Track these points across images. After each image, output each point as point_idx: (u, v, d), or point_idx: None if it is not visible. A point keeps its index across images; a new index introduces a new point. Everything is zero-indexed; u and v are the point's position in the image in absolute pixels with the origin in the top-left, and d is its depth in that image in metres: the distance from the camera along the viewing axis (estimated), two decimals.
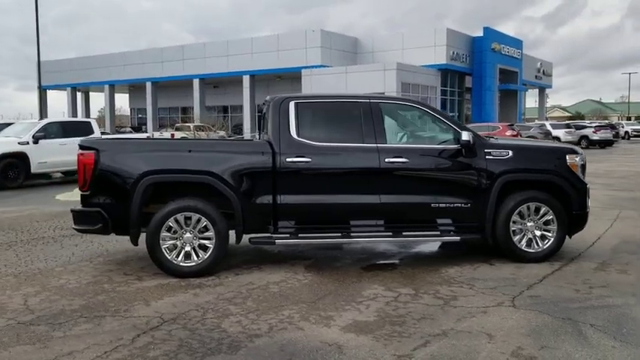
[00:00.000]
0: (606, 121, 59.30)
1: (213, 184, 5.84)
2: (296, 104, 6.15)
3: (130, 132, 39.00)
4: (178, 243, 5.83)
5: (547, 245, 6.38)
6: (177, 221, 5.80)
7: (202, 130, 37.33)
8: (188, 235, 5.83)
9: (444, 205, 6.22)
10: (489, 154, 6.29)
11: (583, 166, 6.69)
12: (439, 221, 6.27)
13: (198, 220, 5.82)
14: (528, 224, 6.35)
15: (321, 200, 6.08)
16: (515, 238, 6.33)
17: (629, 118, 79.48)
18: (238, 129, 43.89)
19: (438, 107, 40.96)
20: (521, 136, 30.20)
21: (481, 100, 44.79)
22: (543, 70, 60.70)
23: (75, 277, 5.91)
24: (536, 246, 6.37)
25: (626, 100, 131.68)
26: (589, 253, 6.80)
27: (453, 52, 41.42)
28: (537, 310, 4.76)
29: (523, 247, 6.35)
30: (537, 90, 62.86)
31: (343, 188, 6.13)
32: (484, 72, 44.36)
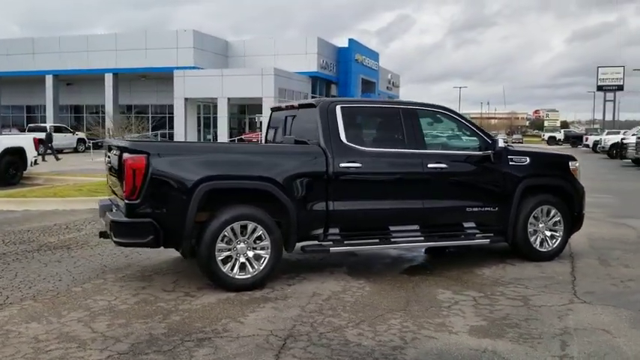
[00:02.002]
0: None
1: (271, 191, 5.50)
2: (342, 108, 6.00)
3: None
4: (233, 254, 5.39)
5: (556, 244, 6.91)
6: (232, 231, 5.37)
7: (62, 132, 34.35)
8: (242, 245, 5.42)
9: (476, 209, 6.47)
10: (512, 160, 6.67)
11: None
12: (470, 225, 6.49)
13: (254, 230, 5.44)
14: (540, 225, 6.84)
15: (370, 206, 6.00)
16: (532, 239, 6.78)
17: None
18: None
19: None
20: None
21: None
22: (393, 82, 64.75)
23: (111, 297, 5.20)
24: (547, 245, 6.87)
25: None
26: (576, 251, 7.44)
27: (323, 61, 42.57)
28: (611, 304, 5.16)
29: (538, 247, 6.82)
30: None
31: (390, 194, 6.12)
32: (349, 81, 46.15)
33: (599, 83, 72.86)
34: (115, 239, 5.21)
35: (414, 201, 6.18)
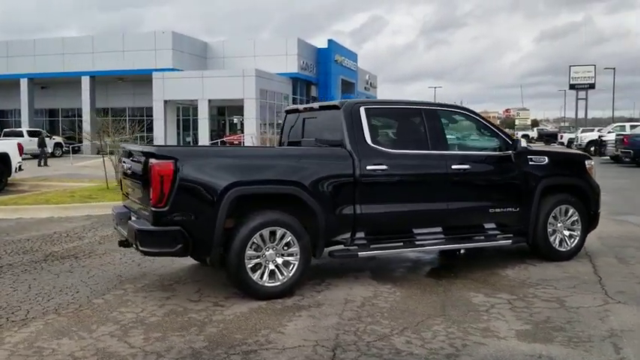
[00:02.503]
0: None
1: (300, 195, 5.35)
2: (366, 109, 5.89)
3: None
4: (262, 261, 5.23)
5: (574, 244, 6.90)
6: (261, 237, 5.21)
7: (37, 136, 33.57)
8: (271, 251, 5.26)
9: (499, 209, 6.41)
10: (531, 159, 6.63)
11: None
12: (491, 226, 6.43)
13: (283, 236, 5.29)
14: (559, 225, 6.81)
15: (395, 209, 5.89)
16: (551, 239, 6.75)
17: None
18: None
19: None
20: None
21: None
22: (371, 83, 64.88)
23: (137, 309, 5.00)
24: (566, 245, 6.85)
25: None
26: (590, 250, 7.44)
27: (303, 62, 42.43)
28: None
29: (557, 247, 6.79)
30: None
31: (415, 196, 6.02)
32: (329, 82, 46.09)
33: (572, 82, 73.98)
34: (141, 248, 5.00)
35: (438, 203, 6.10)
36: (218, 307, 5.07)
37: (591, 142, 34.62)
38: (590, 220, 7.05)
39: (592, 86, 73.60)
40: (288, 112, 7.07)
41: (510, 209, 6.48)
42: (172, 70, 37.41)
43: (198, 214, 5.01)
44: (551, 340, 4.26)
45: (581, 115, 73.09)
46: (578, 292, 5.51)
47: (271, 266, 5.26)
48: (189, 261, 6.66)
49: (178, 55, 38.66)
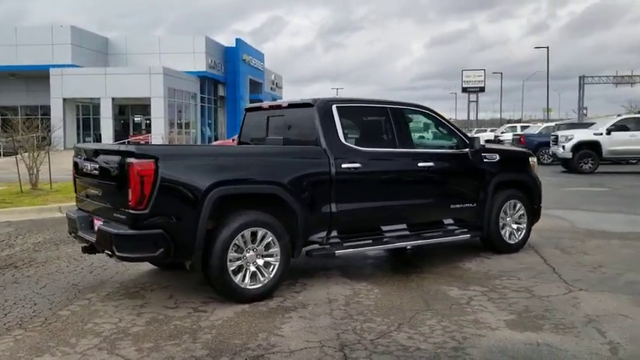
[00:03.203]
0: None
1: (280, 195, 5.24)
2: (337, 108, 5.87)
3: None
4: (243, 263, 5.07)
5: (522, 236, 7.29)
6: (243, 238, 5.05)
7: None
8: (251, 253, 5.11)
9: (459, 205, 6.65)
10: (485, 157, 6.92)
11: None
12: (449, 221, 6.64)
13: (263, 236, 5.15)
14: (508, 219, 7.17)
15: (367, 207, 5.93)
16: (502, 232, 7.09)
17: None
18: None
19: (198, 114, 40.82)
20: None
21: (235, 109, 45.88)
22: (276, 83, 64.92)
23: (113, 319, 4.67)
24: (514, 238, 7.22)
25: None
26: (531, 242, 7.85)
27: (211, 60, 41.64)
28: (605, 290, 5.50)
29: (507, 240, 7.14)
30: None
31: (385, 194, 6.08)
32: (238, 82, 45.60)
33: (464, 85, 78.28)
34: (118, 254, 4.66)
35: (406, 200, 6.21)
36: (200, 312, 4.85)
37: (488, 142, 36.72)
38: (534, 214, 7.48)
39: (482, 89, 78.16)
40: (248, 110, 6.90)
41: (468, 205, 6.73)
42: (72, 66, 35.36)
43: (179, 216, 4.76)
44: (541, 328, 4.46)
45: (472, 116, 77.32)
46: (540, 282, 5.81)
47: (252, 268, 5.11)
48: (143, 266, 6.34)
49: (78, 50, 36.61)
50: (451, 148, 6.81)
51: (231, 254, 4.97)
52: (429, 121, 6.90)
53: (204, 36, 41.02)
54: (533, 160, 7.60)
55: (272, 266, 5.21)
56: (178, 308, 4.97)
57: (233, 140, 33.21)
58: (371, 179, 5.95)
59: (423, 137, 7.27)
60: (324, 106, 5.79)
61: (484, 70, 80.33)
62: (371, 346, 4.09)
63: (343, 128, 5.83)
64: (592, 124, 26.60)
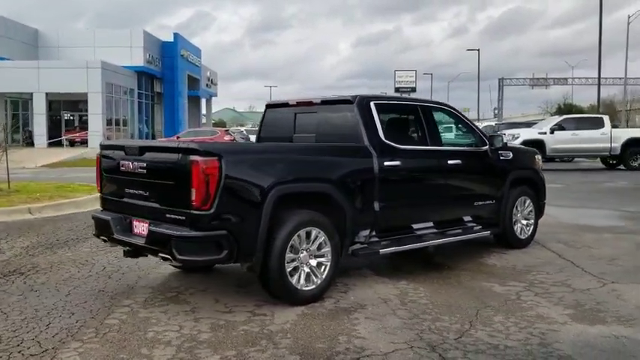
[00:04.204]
0: None
1: (331, 193, 5.10)
2: (376, 105, 5.77)
3: None
4: (298, 264, 4.90)
5: (530, 232, 7.48)
6: (299, 238, 4.87)
7: None
8: (305, 254, 4.95)
9: (481, 202, 6.73)
10: (501, 155, 7.04)
11: None
12: (470, 218, 6.70)
13: (316, 236, 5.00)
14: (518, 215, 7.34)
15: (404, 204, 5.89)
16: (515, 228, 7.25)
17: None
18: None
19: (135, 111, 39.48)
20: (235, 140, 31.55)
21: (173, 105, 44.77)
22: (212, 80, 63.79)
23: (172, 327, 4.38)
24: (524, 233, 7.40)
25: (254, 110, 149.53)
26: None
27: (149, 55, 40.35)
28: (635, 282, 5.73)
29: (519, 235, 7.31)
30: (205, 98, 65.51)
31: (420, 191, 6.07)
32: (176, 77, 44.42)
33: (397, 85, 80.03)
34: (180, 257, 4.37)
35: (437, 198, 6.23)
36: (259, 316, 4.64)
37: None
38: (540, 210, 7.69)
39: (414, 89, 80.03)
40: (270, 106, 6.66)
41: (489, 202, 6.82)
42: (0, 59, 33.20)
43: (243, 217, 4.52)
44: (605, 321, 4.56)
45: None
46: (571, 276, 5.96)
47: (306, 269, 4.95)
48: (164, 269, 6.03)
49: (5, 41, 34.48)
50: (470, 145, 6.88)
51: (288, 255, 4.78)
52: (453, 120, 6.94)
53: (142, 29, 39.70)
54: (538, 157, 7.81)
55: (323, 267, 5.07)
56: (234, 313, 4.72)
57: (178, 138, 32.30)
58: (408, 177, 5.91)
59: (448, 135, 7.31)
60: (364, 103, 5.68)
61: (415, 70, 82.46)
62: (459, 345, 4.04)
63: (382, 125, 5.75)
64: (533, 123, 27.87)
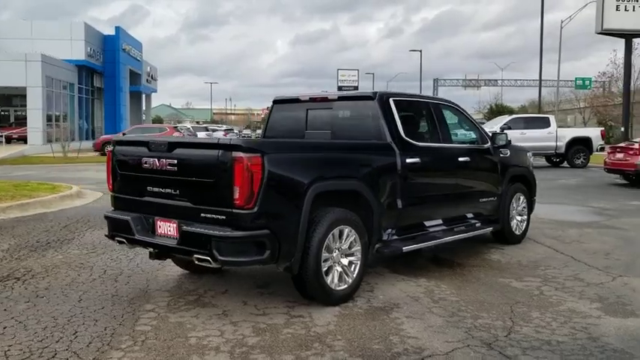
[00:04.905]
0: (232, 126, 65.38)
1: (362, 191, 5.00)
2: (395, 102, 5.71)
3: None
4: (331, 263, 4.77)
5: (524, 227, 7.65)
6: (333, 237, 4.75)
7: None
8: (337, 253, 4.83)
9: (486, 199, 6.80)
10: (501, 152, 7.14)
11: None
12: (472, 215, 6.76)
13: (347, 235, 4.89)
14: (513, 211, 7.48)
15: (421, 201, 5.86)
16: (511, 224, 7.38)
17: (197, 122, 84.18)
18: None
19: (75, 106, 37.92)
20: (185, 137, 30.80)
21: (114, 100, 43.23)
22: (152, 75, 62.06)
23: (213, 333, 4.17)
24: (519, 229, 7.55)
25: (191, 107, 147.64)
26: None
27: (90, 49, 38.75)
28: None
29: (514, 231, 7.45)
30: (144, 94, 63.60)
31: (434, 188, 6.06)
32: (117, 72, 42.88)
33: (339, 84, 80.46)
34: (222, 258, 4.14)
35: (448, 195, 6.25)
36: (297, 318, 4.49)
37: None
38: (531, 206, 7.87)
39: (356, 88, 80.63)
40: (277, 102, 6.47)
41: (492, 198, 6.91)
42: None
43: (284, 215, 4.36)
44: (636, 314, 4.68)
45: None
46: (578, 270, 6.11)
47: (339, 268, 4.83)
48: (169, 271, 5.77)
49: None
50: (473, 143, 6.94)
51: (324, 254, 4.65)
52: (454, 116, 6.97)
53: (82, 22, 38.05)
54: (530, 155, 7.98)
55: (354, 266, 4.96)
56: (269, 315, 4.54)
57: (124, 134, 31.18)
58: (425, 174, 5.89)
59: (455, 133, 7.33)
60: (384, 99, 5.60)
61: (358, 70, 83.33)
62: (512, 342, 4.03)
63: (402, 123, 5.69)
64: (482, 123, 28.65)
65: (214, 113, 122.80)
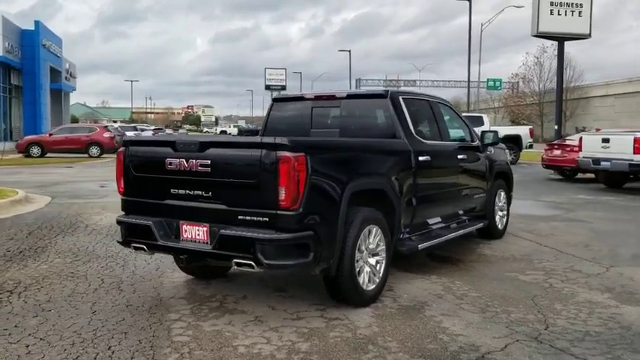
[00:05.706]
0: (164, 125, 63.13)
1: (387, 190, 4.97)
2: (404, 100, 5.72)
3: None
4: (362, 264, 4.71)
5: (505, 222, 7.90)
6: (363, 237, 4.68)
7: None
8: (365, 252, 4.77)
9: (477, 196, 6.96)
10: (488, 149, 7.33)
11: None
12: (462, 212, 6.87)
13: (375, 234, 4.84)
14: (496, 207, 7.71)
15: (430, 199, 5.90)
16: (496, 219, 7.60)
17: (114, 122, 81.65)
18: None
19: None
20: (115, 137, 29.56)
21: (35, 99, 40.80)
22: (71, 72, 59.22)
23: (258, 341, 4.00)
24: (501, 224, 7.79)
25: (107, 105, 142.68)
26: None
27: (8, 44, 36.36)
28: (635, 265, 6.26)
29: (498, 226, 7.68)
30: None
31: (439, 186, 6.13)
32: (37, 69, 40.45)
33: (267, 83, 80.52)
34: (267, 262, 3.96)
35: (450, 192, 6.34)
36: (335, 320, 4.39)
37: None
38: (509, 201, 8.13)
39: (284, 87, 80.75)
40: (277, 100, 6.30)
41: (482, 195, 7.08)
42: None
43: (325, 216, 4.23)
44: None
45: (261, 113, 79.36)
46: (571, 262, 6.37)
47: (367, 268, 4.77)
48: (176, 277, 5.53)
49: None
50: (463, 141, 7.07)
51: (357, 254, 4.58)
52: (446, 114, 7.07)
53: (0, 16, 35.62)
54: (507, 152, 8.25)
55: (379, 265, 4.92)
56: (305, 319, 4.42)
57: (50, 135, 29.53)
58: (433, 172, 5.95)
59: (450, 131, 7.43)
60: (395, 97, 5.60)
61: (285, 69, 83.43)
62: (556, 335, 4.13)
63: (412, 121, 5.71)
64: None
65: (133, 112, 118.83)
